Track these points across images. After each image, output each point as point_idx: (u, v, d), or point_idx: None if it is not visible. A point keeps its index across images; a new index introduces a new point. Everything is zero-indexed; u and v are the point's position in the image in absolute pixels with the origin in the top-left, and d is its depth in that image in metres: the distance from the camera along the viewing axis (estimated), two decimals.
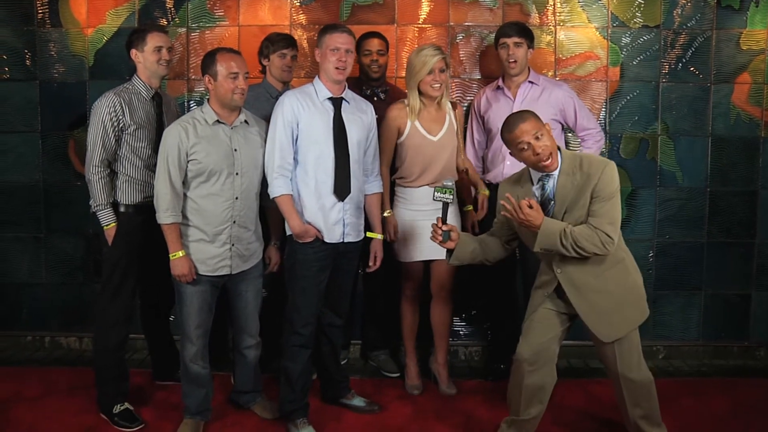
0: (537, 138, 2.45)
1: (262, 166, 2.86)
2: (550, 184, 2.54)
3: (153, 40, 2.93)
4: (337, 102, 2.90)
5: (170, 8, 3.70)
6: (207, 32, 3.72)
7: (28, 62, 3.75)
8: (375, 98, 3.37)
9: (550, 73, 3.68)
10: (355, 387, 3.23)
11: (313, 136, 2.84)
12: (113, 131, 2.88)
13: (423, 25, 3.72)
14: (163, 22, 3.69)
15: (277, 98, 3.05)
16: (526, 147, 2.47)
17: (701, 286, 3.82)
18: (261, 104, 3.12)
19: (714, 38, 3.70)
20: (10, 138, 3.79)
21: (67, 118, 3.75)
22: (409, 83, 3.11)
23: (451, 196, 2.72)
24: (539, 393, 2.66)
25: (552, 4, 3.69)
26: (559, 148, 2.55)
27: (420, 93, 3.09)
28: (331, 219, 2.87)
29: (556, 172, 2.53)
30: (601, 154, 3.57)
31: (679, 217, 3.78)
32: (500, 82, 3.38)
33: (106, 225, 2.92)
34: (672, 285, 3.81)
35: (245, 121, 2.85)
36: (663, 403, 2.68)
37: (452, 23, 3.72)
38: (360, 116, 2.96)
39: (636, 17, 3.69)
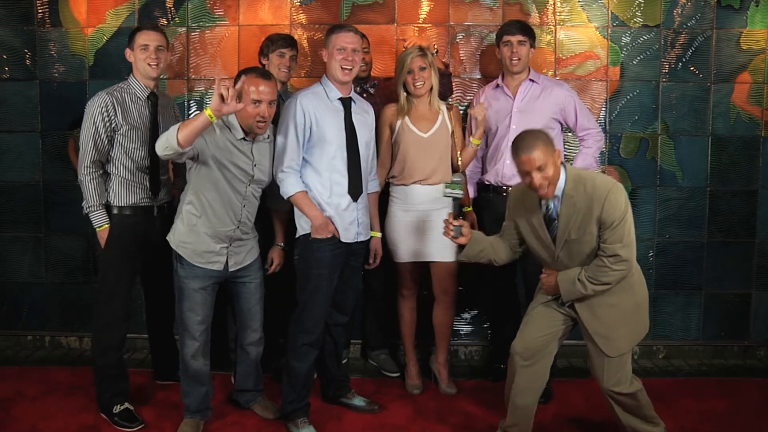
0: (539, 169, 2.40)
1: (269, 174, 2.85)
2: (553, 204, 2.53)
3: (140, 39, 2.89)
4: (346, 102, 2.91)
5: (170, 8, 3.70)
6: (207, 32, 3.71)
7: (28, 62, 3.74)
8: (365, 94, 3.39)
9: (549, 73, 3.68)
10: (355, 386, 3.23)
11: (328, 137, 2.84)
12: (105, 131, 2.84)
13: (423, 25, 3.72)
14: (163, 21, 3.69)
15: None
16: (526, 175, 2.45)
17: (701, 286, 3.81)
18: None
19: (714, 38, 3.69)
20: (10, 138, 3.78)
21: (67, 118, 3.74)
22: (397, 83, 3.17)
23: (461, 192, 2.74)
24: (527, 392, 2.64)
25: (552, 3, 3.69)
26: (564, 166, 2.52)
27: (408, 92, 3.15)
28: (346, 219, 2.87)
29: (559, 193, 2.50)
30: (602, 154, 3.58)
31: (679, 216, 3.78)
32: (500, 81, 3.37)
33: (99, 227, 2.89)
34: (672, 284, 3.81)
35: (268, 136, 2.85)
36: (663, 403, 2.68)
37: (452, 23, 3.71)
38: (365, 117, 2.99)
39: (636, 17, 3.69)
